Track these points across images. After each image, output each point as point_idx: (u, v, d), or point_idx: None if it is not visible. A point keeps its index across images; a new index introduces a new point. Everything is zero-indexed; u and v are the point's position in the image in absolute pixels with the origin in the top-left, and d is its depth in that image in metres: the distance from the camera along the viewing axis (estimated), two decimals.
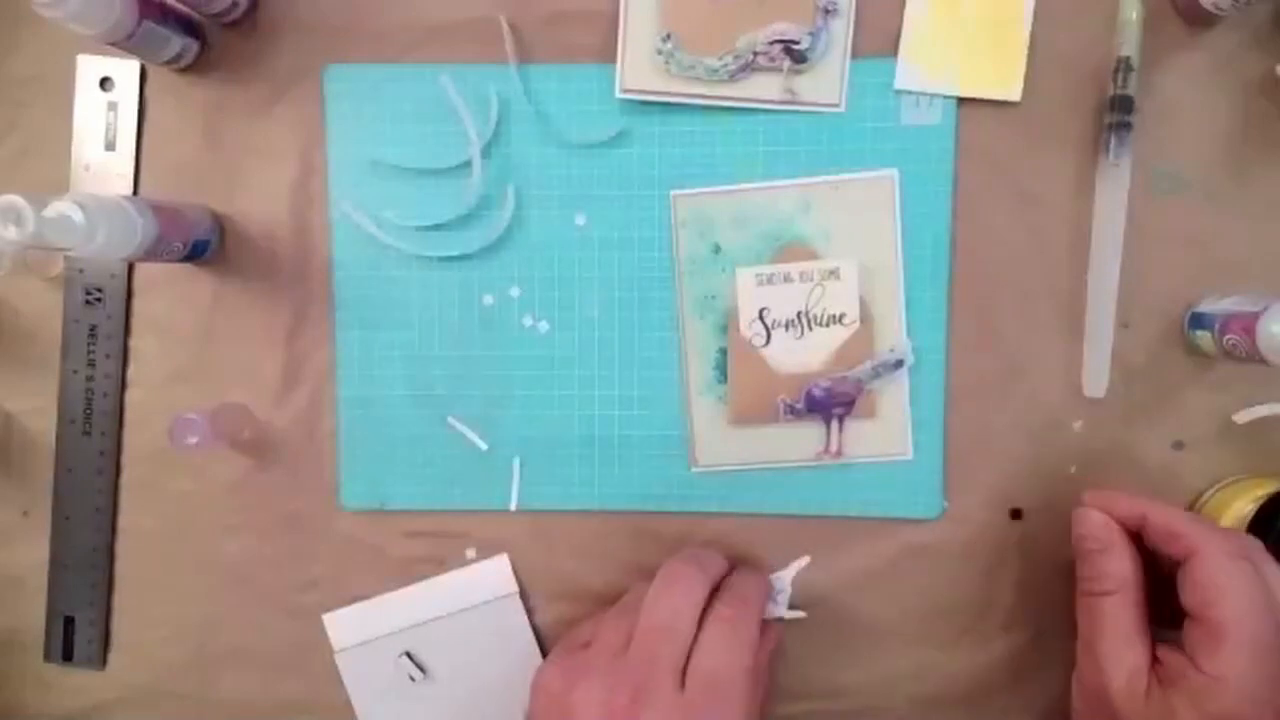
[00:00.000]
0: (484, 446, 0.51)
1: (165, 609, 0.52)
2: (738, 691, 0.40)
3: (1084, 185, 0.48)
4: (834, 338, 0.49)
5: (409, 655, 0.52)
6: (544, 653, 0.52)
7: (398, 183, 0.50)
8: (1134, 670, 0.40)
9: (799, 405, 0.49)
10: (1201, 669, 0.38)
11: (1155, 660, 0.41)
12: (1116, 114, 0.47)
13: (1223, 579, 0.39)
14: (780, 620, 0.48)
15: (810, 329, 0.49)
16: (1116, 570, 0.42)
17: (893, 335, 0.49)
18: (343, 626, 0.52)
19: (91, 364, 0.51)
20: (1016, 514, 0.50)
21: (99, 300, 0.51)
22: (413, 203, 0.49)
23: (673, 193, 0.49)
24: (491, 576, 0.51)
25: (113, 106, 0.50)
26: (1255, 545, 0.41)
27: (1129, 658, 0.41)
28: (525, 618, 0.51)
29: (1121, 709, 0.40)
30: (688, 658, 0.41)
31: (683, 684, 0.40)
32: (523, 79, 0.49)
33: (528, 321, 0.50)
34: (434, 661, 0.52)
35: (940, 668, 0.51)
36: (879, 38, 0.48)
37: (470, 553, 0.51)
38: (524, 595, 0.51)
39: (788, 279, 0.49)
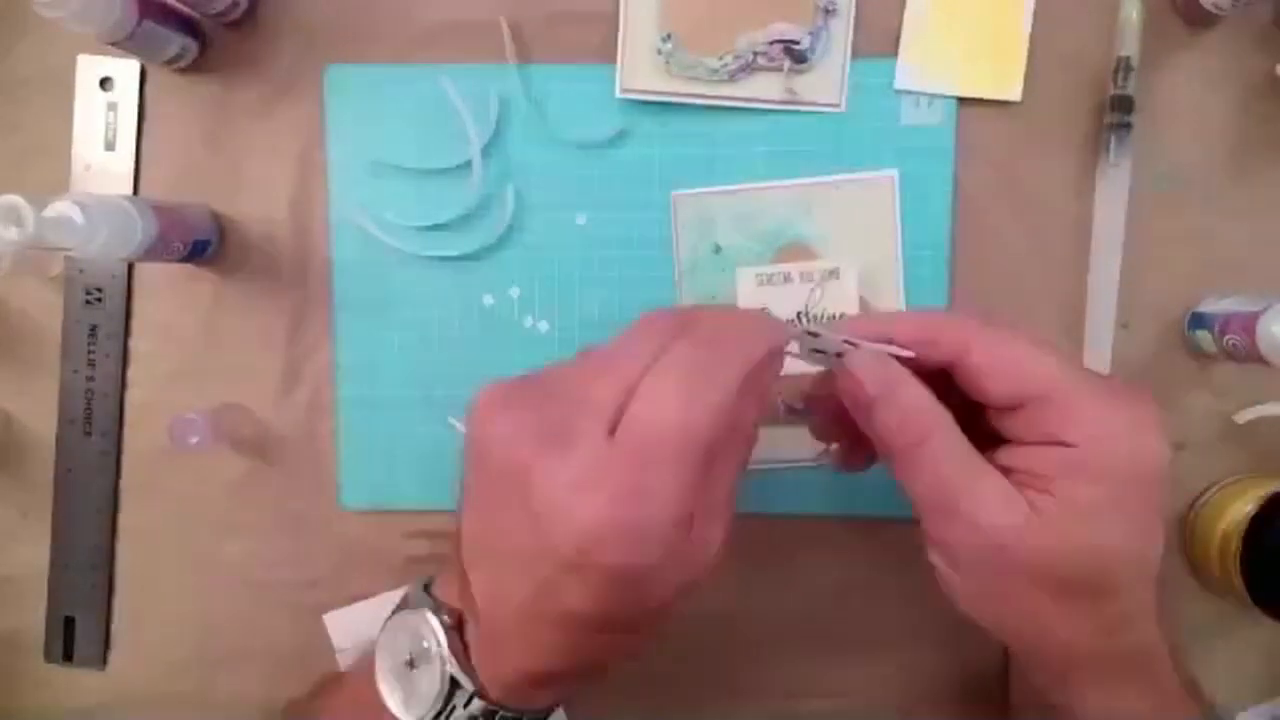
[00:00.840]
0: None
1: (165, 609, 0.52)
2: (674, 454, 0.30)
3: (1084, 185, 0.48)
4: None
5: None
6: None
7: (398, 183, 0.50)
8: (1006, 496, 0.33)
9: (799, 405, 0.49)
10: (1064, 440, 0.32)
11: (1008, 473, 0.33)
12: (1116, 114, 0.47)
13: (1016, 346, 0.34)
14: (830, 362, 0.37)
15: None
16: (918, 400, 0.34)
17: None
18: (343, 626, 0.52)
19: (91, 364, 0.51)
20: None
21: (99, 300, 0.51)
22: (413, 203, 0.49)
23: (673, 193, 0.49)
24: None
25: (113, 106, 0.50)
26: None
27: (988, 487, 0.33)
28: None
29: (1019, 546, 0.32)
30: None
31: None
32: (523, 79, 0.49)
33: (528, 322, 0.50)
34: None
35: (939, 667, 0.50)
36: (879, 38, 0.48)
37: None
38: None
39: (788, 279, 0.49)
